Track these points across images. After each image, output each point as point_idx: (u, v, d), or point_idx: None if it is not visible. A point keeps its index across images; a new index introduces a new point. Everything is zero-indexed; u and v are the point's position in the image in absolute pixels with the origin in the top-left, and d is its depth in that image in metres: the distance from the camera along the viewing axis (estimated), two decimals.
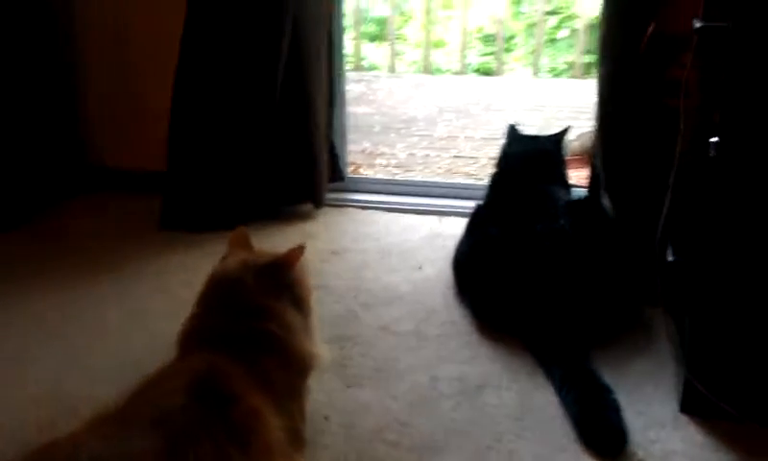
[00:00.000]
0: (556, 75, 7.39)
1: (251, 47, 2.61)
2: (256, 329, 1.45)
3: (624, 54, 2.17)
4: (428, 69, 6.42)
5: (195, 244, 2.60)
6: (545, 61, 6.74)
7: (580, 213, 2.20)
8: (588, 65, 7.13)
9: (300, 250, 1.53)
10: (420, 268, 2.44)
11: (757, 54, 1.53)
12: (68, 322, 2.14)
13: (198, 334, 1.48)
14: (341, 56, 3.00)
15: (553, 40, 7.37)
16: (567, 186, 2.47)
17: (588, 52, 6.99)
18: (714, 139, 1.61)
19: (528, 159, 2.44)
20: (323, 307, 2.14)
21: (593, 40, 7.16)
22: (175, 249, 2.57)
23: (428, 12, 6.29)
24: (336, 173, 2.94)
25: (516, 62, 7.72)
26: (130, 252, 2.56)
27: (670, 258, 1.94)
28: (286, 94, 2.69)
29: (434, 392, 1.79)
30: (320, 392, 1.76)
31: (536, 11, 7.77)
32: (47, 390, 1.83)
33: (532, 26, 7.93)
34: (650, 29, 2.12)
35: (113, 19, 2.96)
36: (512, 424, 1.67)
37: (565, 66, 7.56)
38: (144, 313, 2.17)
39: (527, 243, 2.04)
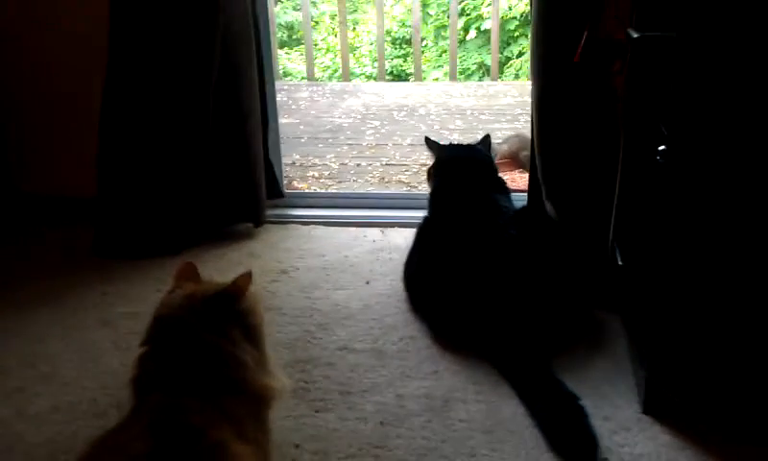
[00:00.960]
0: (467, 76, 7.53)
1: (180, 63, 2.54)
2: (207, 370, 1.40)
3: (558, 62, 2.21)
4: (347, 75, 6.40)
5: (133, 272, 2.53)
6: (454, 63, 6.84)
7: (526, 221, 2.23)
8: (502, 65, 7.31)
9: (247, 277, 1.46)
10: (368, 283, 2.43)
11: (704, 62, 1.58)
12: (9, 361, 2.04)
13: (149, 378, 1.41)
14: (270, 68, 2.96)
15: (462, 42, 7.50)
16: (507, 192, 2.50)
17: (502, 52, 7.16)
18: (662, 147, 1.66)
19: (465, 169, 2.46)
20: (278, 330, 2.12)
21: (505, 40, 7.36)
22: (113, 277, 2.48)
23: (342, 17, 6.26)
24: (274, 189, 2.89)
25: (425, 64, 7.83)
26: (67, 282, 2.46)
27: (619, 262, 2.01)
28: (219, 111, 2.63)
29: (402, 410, 1.79)
30: (287, 419, 1.73)
31: (443, 12, 7.90)
32: None
33: (440, 28, 8.06)
34: (584, 36, 2.17)
35: (34, 40, 2.84)
36: (483, 438, 1.68)
37: (475, 67, 7.72)
38: (90, 348, 2.09)
39: (480, 255, 2.06)
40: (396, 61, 8.18)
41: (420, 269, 2.23)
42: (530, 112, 2.40)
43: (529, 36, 2.35)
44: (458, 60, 6.85)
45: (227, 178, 2.70)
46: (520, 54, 7.44)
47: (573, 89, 2.19)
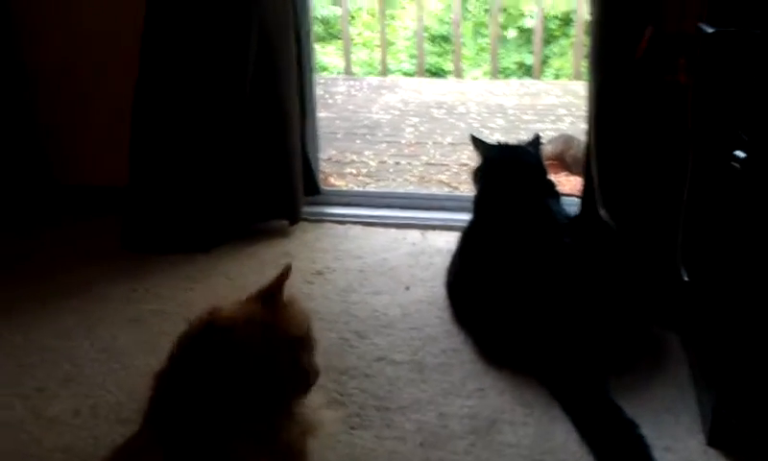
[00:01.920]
0: (506, 76, 7.37)
1: (215, 54, 2.44)
2: (225, 404, 1.27)
3: (619, 59, 2.07)
4: (385, 70, 6.28)
5: (163, 267, 2.44)
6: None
7: (581, 230, 2.09)
8: (542, 65, 7.14)
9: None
10: (407, 289, 2.30)
11: None
12: (31, 357, 1.95)
13: (169, 393, 1.30)
14: (310, 61, 2.84)
15: (502, 40, 7.35)
16: (558, 196, 2.35)
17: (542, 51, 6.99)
18: (740, 153, 1.51)
19: (515, 171, 2.32)
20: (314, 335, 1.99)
21: (546, 39, 7.19)
22: (142, 273, 2.39)
23: (382, 12, 6.15)
24: (311, 185, 2.77)
25: (463, 62, 7.68)
26: (94, 276, 2.37)
27: (685, 278, 1.85)
28: (256, 104, 2.52)
29: (444, 431, 1.65)
30: (320, 436, 1.60)
31: (485, 10, 7.75)
32: (10, 444, 1.64)
33: (479, 26, 7.91)
34: (648, 32, 2.03)
35: (68, 30, 2.78)
36: None
37: (515, 67, 7.55)
38: (115, 347, 1.99)
39: (531, 263, 1.92)
40: (432, 59, 8.04)
41: (464, 277, 2.09)
42: (575, 113, 2.27)
43: (568, 33, 2.21)
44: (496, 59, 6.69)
45: (262, 172, 2.60)
46: (561, 54, 7.27)
47: (635, 88, 2.04)
